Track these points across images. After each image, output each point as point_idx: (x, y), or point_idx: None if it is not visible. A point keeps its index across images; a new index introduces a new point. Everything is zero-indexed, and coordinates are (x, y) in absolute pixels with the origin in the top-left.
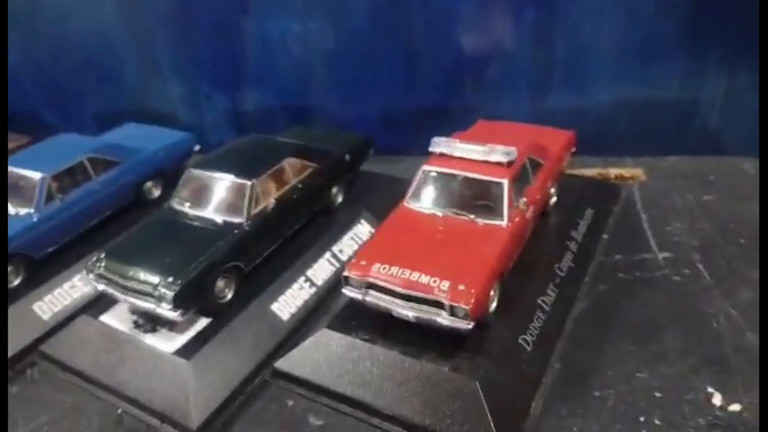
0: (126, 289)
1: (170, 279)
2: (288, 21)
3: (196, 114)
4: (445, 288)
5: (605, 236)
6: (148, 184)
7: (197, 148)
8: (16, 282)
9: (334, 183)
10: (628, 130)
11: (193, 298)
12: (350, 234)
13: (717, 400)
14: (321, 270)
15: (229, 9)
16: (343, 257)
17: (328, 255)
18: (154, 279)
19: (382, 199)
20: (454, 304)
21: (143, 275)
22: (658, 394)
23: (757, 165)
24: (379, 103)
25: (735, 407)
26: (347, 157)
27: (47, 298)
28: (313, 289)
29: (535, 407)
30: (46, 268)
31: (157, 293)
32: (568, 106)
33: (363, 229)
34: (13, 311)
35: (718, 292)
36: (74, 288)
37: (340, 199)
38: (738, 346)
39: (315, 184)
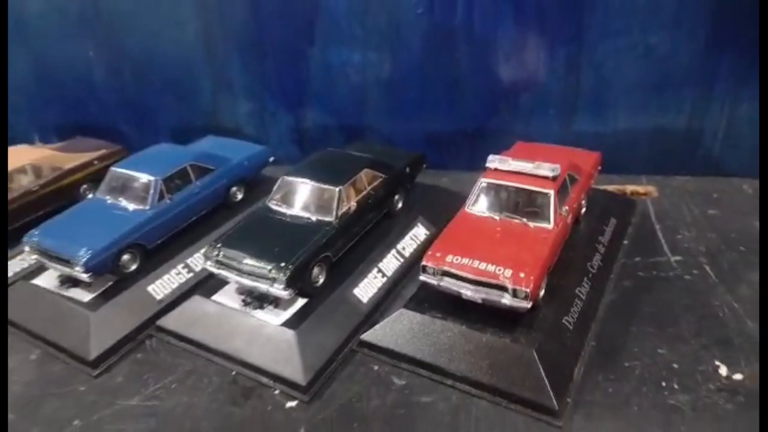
0: (242, 273)
1: (282, 264)
2: (350, 52)
3: (262, 129)
4: (509, 275)
5: (626, 242)
6: (234, 188)
7: (272, 159)
8: (133, 267)
9: (397, 191)
10: (643, 153)
11: (297, 280)
12: (410, 234)
13: (723, 371)
14: (389, 263)
15: (299, 40)
16: (406, 253)
17: (393, 251)
18: (268, 264)
19: (433, 205)
20: (517, 287)
21: (258, 261)
22: (675, 366)
23: (755, 185)
24: (424, 124)
25: (737, 377)
26: (407, 170)
27: (158, 281)
28: (384, 279)
29: (578, 373)
30: (156, 257)
31: (271, 275)
32: (590, 131)
33: (420, 231)
34: (132, 292)
35: (722, 288)
36: (179, 274)
37: (400, 205)
38: (740, 330)
39: (382, 191)
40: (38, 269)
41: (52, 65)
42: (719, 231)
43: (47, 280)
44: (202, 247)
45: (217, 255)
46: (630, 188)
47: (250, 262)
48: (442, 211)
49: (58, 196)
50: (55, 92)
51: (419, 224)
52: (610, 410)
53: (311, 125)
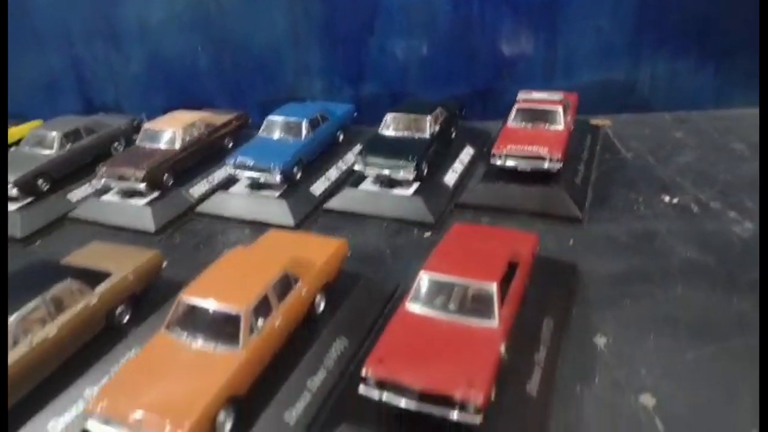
0: (383, 167)
1: (410, 158)
2: (399, 39)
3: (330, 99)
4: (546, 152)
5: (598, 147)
6: (338, 132)
7: (355, 114)
8: (299, 175)
9: (452, 125)
10: (599, 98)
11: (418, 169)
12: (464, 151)
13: (666, 199)
14: (457, 166)
15: (362, 31)
16: (464, 161)
17: (458, 160)
18: (402, 159)
19: (469, 136)
20: (552, 156)
21: (395, 158)
22: (640, 200)
23: (673, 115)
24: (450, 88)
25: (675, 200)
26: (458, 111)
27: (314, 185)
28: (455, 174)
29: (586, 207)
30: (307, 171)
31: (403, 166)
32: (564, 86)
33: (469, 150)
34: (301, 191)
35: (660, 167)
36: (328, 180)
37: (454, 135)
38: (673, 182)
39: (447, 123)
40: (225, 184)
41: (163, 58)
42: (653, 139)
43: (238, 189)
44: (329, 168)
45: (365, 158)
46: (594, 121)
47: (388, 158)
48: (475, 139)
49: (213, 144)
50: (164, 79)
51: (468, 146)
52: (608, 221)
53: (367, 94)
